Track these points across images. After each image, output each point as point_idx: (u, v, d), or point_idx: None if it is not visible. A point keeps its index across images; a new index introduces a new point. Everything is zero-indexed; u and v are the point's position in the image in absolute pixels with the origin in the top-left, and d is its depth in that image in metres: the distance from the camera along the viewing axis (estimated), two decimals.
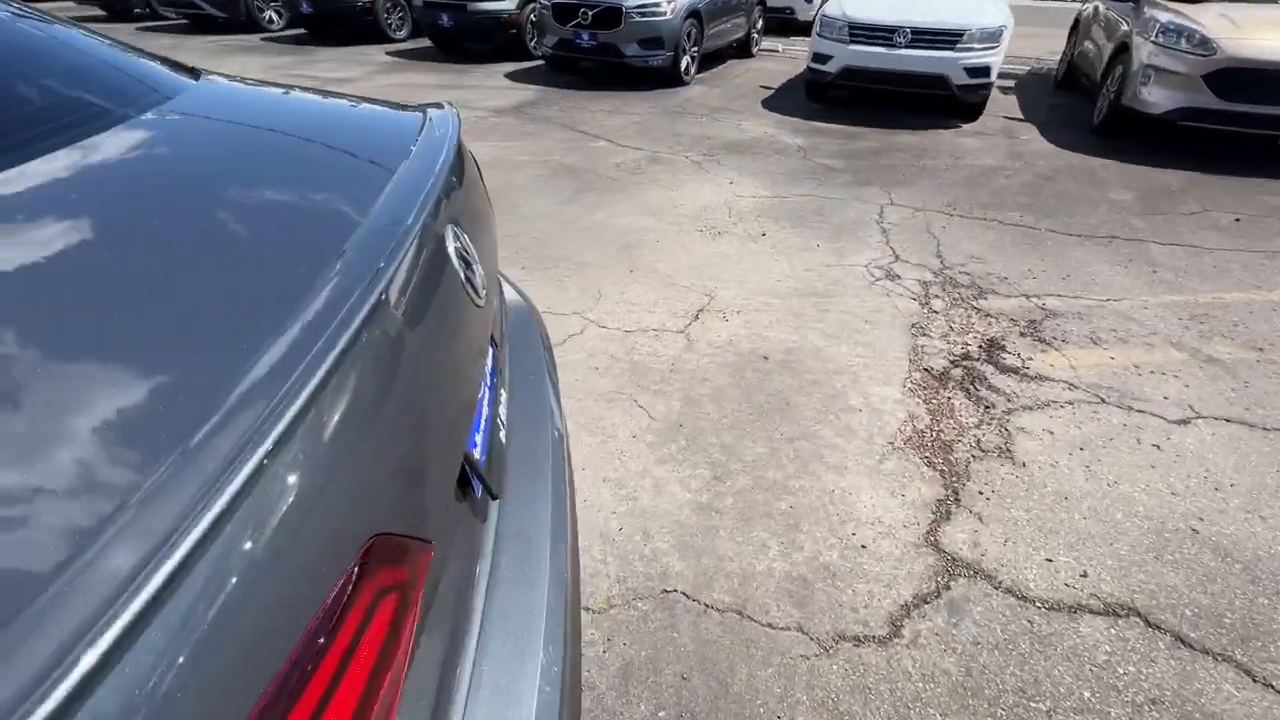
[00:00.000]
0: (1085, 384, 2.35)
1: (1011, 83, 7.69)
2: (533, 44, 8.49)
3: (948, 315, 2.80)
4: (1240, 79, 4.41)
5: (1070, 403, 2.25)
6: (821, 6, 6.33)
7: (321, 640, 0.39)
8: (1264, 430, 2.13)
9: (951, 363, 2.47)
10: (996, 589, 1.57)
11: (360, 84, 6.95)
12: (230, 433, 0.39)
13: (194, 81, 1.07)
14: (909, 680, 1.37)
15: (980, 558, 1.66)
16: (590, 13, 6.86)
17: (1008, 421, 2.16)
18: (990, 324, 2.73)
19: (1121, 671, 1.39)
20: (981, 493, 1.87)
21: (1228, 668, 1.40)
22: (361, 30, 9.51)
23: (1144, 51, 4.87)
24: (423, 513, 0.55)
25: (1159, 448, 2.05)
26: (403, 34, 9.90)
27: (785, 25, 11.72)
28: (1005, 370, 2.43)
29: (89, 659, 0.29)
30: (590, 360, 2.43)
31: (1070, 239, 3.57)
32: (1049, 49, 9.69)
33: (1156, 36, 4.81)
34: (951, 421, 2.16)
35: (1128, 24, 5.33)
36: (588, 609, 1.51)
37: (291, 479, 0.40)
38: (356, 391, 0.49)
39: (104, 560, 0.32)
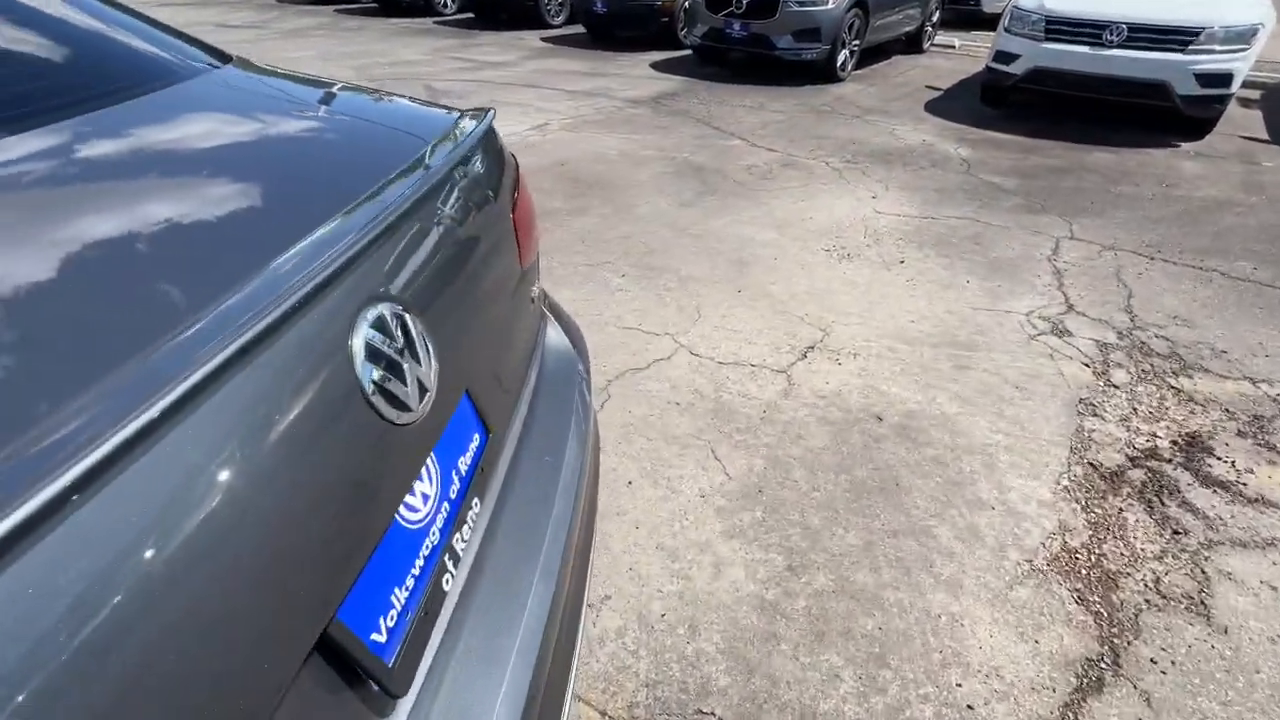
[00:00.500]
0: None
1: (1257, 94, 6.26)
2: (683, 33, 8.24)
3: (1133, 393, 2.20)
4: None
5: None
6: None
7: None
8: None
9: (1130, 460, 1.92)
10: None
11: (511, 68, 7.11)
12: None
13: (216, 67, 0.97)
14: None
15: None
16: (744, 1, 6.48)
17: (1206, 559, 1.61)
18: (1194, 413, 2.11)
19: None
20: (1155, 661, 1.39)
21: None
22: (522, 15, 9.80)
23: None
24: None
25: None
26: (560, 20, 10.08)
27: (968, 18, 10.52)
28: (1210, 483, 1.84)
29: None
30: (672, 393, 2.17)
31: None
32: None
33: None
34: (1121, 545, 1.65)
35: None
36: (603, 714, 1.27)
37: None
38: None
39: None
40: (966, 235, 3.39)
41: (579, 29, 9.63)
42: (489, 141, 0.96)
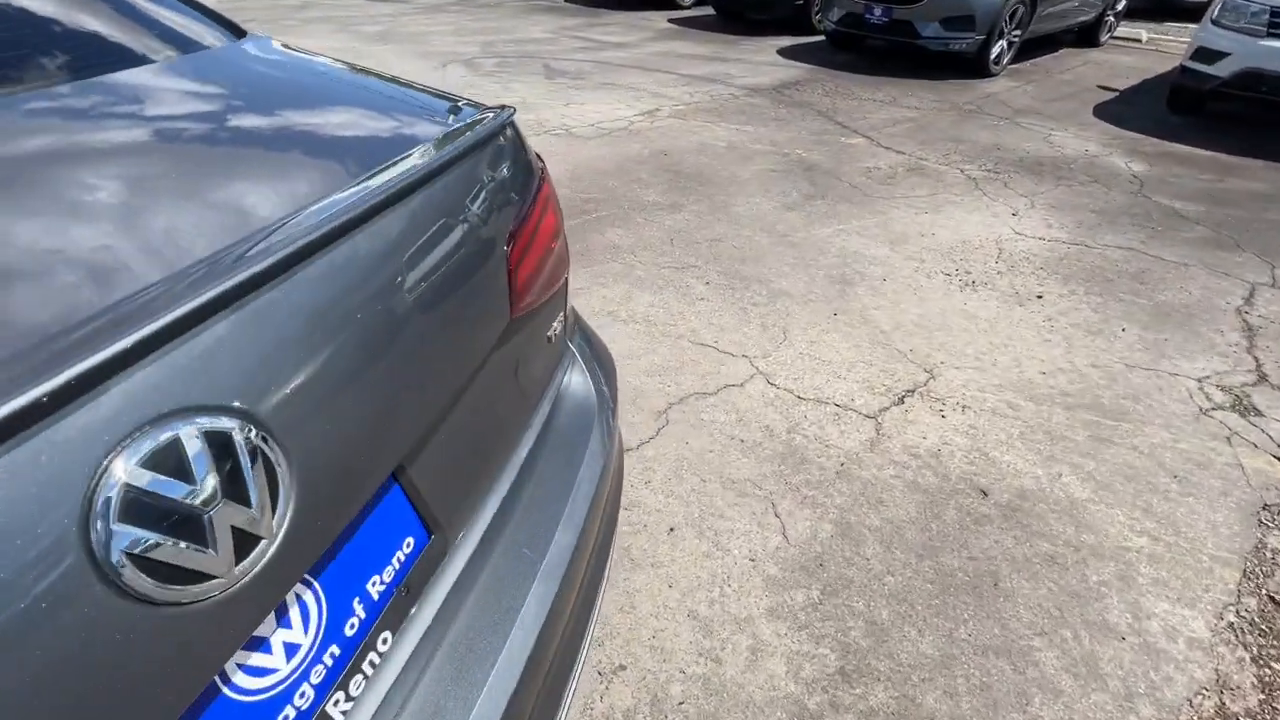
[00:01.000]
0: None
1: None
2: (817, 18, 7.70)
3: None
4: None
5: None
6: None
7: None
8: None
9: None
10: None
11: (632, 50, 6.96)
12: None
13: (225, 42, 0.88)
14: None
15: None
16: None
17: None
18: None
19: None
20: None
21: None
22: None
23: None
24: None
25: None
26: (690, 1, 9.79)
27: (1162, 7, 9.08)
28: None
29: None
30: (738, 426, 1.93)
31: None
32: None
33: None
34: None
35: None
36: None
37: None
38: None
39: None
40: (1128, 271, 2.84)
41: (709, 11, 9.30)
42: (495, 150, 0.78)
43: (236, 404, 0.41)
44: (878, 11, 6.03)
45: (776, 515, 1.65)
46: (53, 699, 0.32)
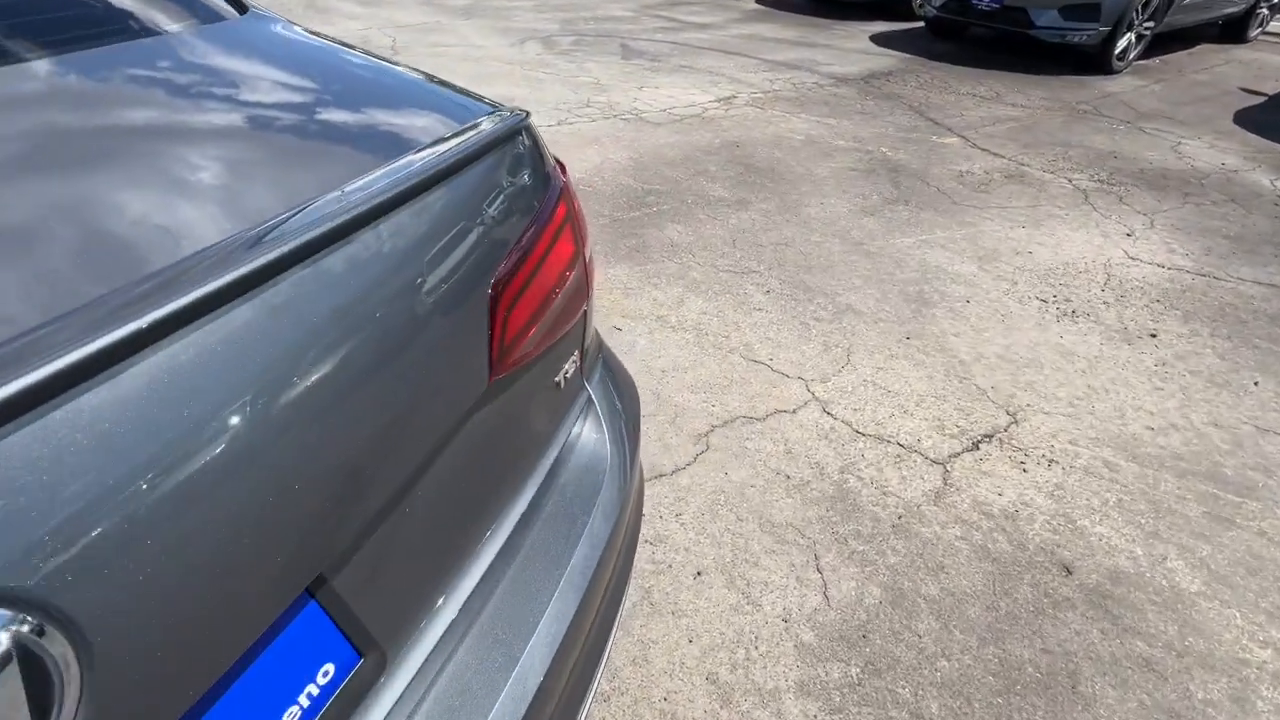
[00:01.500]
0: None
1: None
2: (917, 2, 7.16)
3: None
4: None
5: None
6: None
7: None
8: None
9: None
10: None
11: (715, 31, 6.68)
12: None
13: (223, 18, 0.78)
14: None
15: None
16: None
17: None
18: None
19: None
20: None
21: None
22: None
23: None
24: None
25: None
26: None
27: None
28: None
29: None
30: (786, 460, 1.75)
31: None
32: None
33: None
34: None
35: None
36: None
37: None
38: None
39: None
40: (1266, 312, 2.44)
41: None
42: (492, 166, 0.64)
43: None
44: None
45: (818, 570, 1.47)
46: None
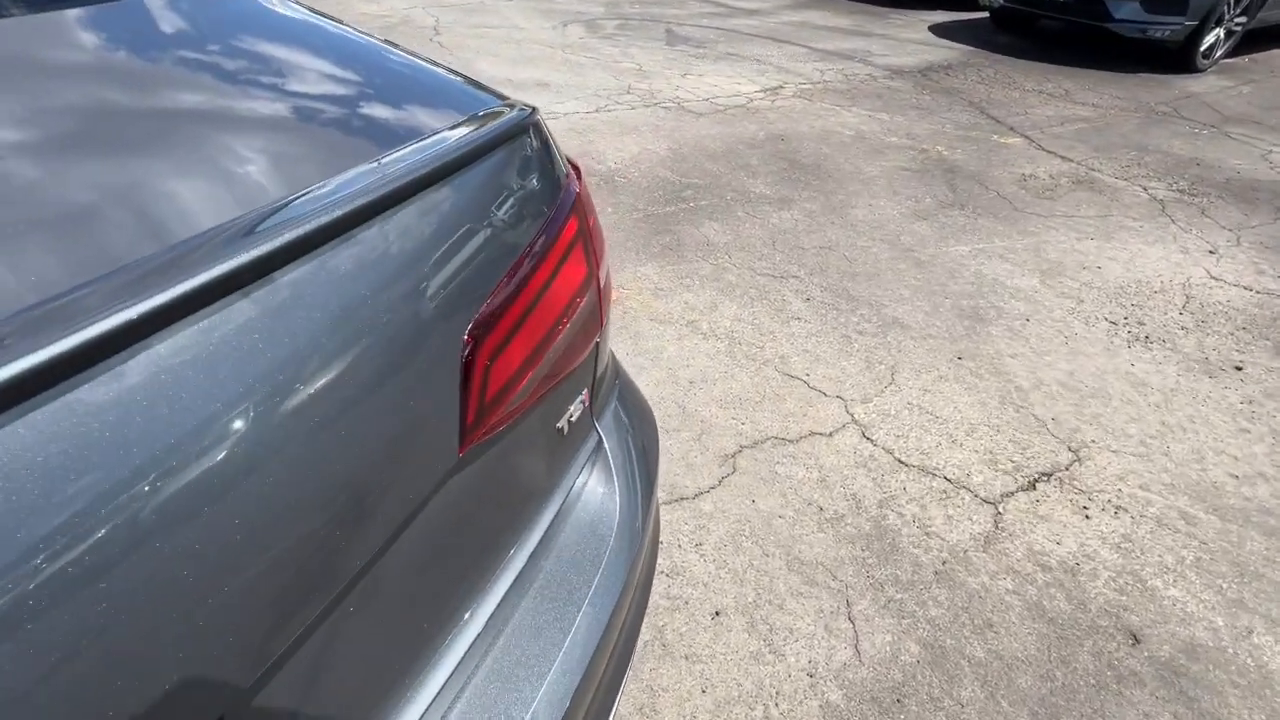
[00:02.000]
0: None
1: None
2: None
3: None
4: None
5: None
6: None
7: None
8: None
9: None
10: None
11: (765, 17, 6.43)
12: None
13: None
14: None
15: None
16: None
17: None
18: None
19: None
20: None
21: None
22: None
23: None
24: None
25: None
26: None
27: None
28: None
29: None
30: (819, 489, 1.60)
31: None
32: None
33: None
34: None
35: None
36: None
37: None
38: None
39: None
40: None
41: None
42: (490, 171, 0.52)
43: None
44: None
45: (850, 619, 1.33)
46: None
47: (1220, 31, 5.00)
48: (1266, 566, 1.47)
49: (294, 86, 0.58)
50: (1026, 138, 3.78)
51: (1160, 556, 1.48)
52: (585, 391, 0.72)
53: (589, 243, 0.65)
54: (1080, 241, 2.74)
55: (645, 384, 1.89)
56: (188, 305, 0.33)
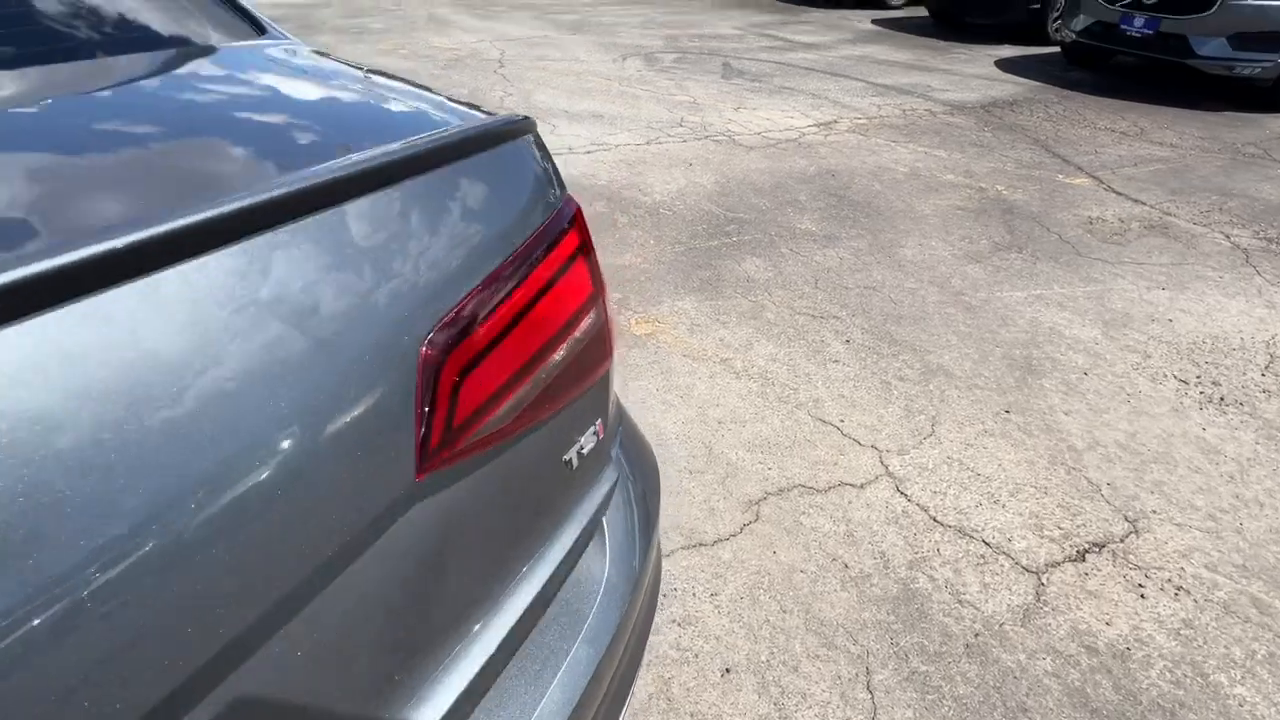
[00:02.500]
0: None
1: None
2: (1054, 26, 6.57)
3: None
4: None
5: None
6: None
7: None
8: None
9: None
10: None
11: (823, 51, 6.42)
12: None
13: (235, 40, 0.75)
14: None
15: None
16: None
17: None
18: None
19: None
20: None
21: None
22: None
23: None
24: None
25: None
26: (899, 0, 8.92)
27: None
28: None
29: None
30: (845, 544, 1.54)
31: None
32: None
33: None
34: None
35: None
36: None
37: None
38: None
39: None
40: None
41: (920, 12, 8.38)
42: (479, 166, 0.52)
43: None
44: (1140, 21, 4.93)
45: (869, 689, 1.26)
46: None
47: None
48: None
49: (287, 116, 0.60)
50: (1095, 178, 3.60)
51: (1226, 648, 1.34)
52: (599, 423, 0.69)
53: (592, 260, 0.63)
54: (1150, 291, 2.57)
55: (672, 422, 1.87)
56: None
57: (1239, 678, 1.29)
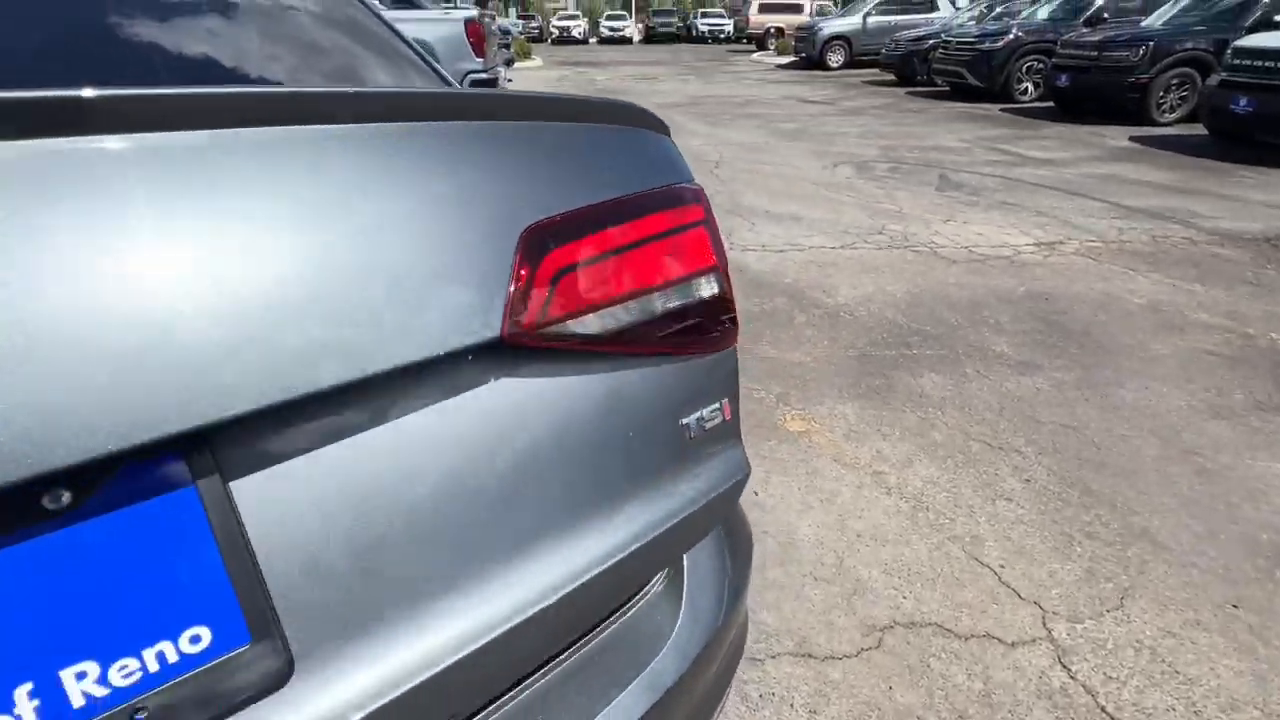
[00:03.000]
0: None
1: None
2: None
3: None
4: None
5: None
6: None
7: None
8: None
9: None
10: None
11: (1061, 169, 5.96)
12: None
13: None
14: None
15: None
16: None
17: None
18: None
19: None
20: None
21: None
22: (1118, 108, 8.10)
23: None
24: None
25: None
26: (1173, 116, 7.98)
27: None
28: None
29: None
30: (980, 705, 1.36)
31: None
32: None
33: None
34: None
35: None
36: None
37: None
38: None
39: None
40: None
41: (1197, 129, 7.39)
42: (620, 134, 0.68)
43: None
44: None
45: None
46: None
47: None
48: None
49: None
50: None
51: None
52: (725, 403, 0.72)
53: (716, 236, 0.71)
54: None
55: (808, 524, 1.84)
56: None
57: None
